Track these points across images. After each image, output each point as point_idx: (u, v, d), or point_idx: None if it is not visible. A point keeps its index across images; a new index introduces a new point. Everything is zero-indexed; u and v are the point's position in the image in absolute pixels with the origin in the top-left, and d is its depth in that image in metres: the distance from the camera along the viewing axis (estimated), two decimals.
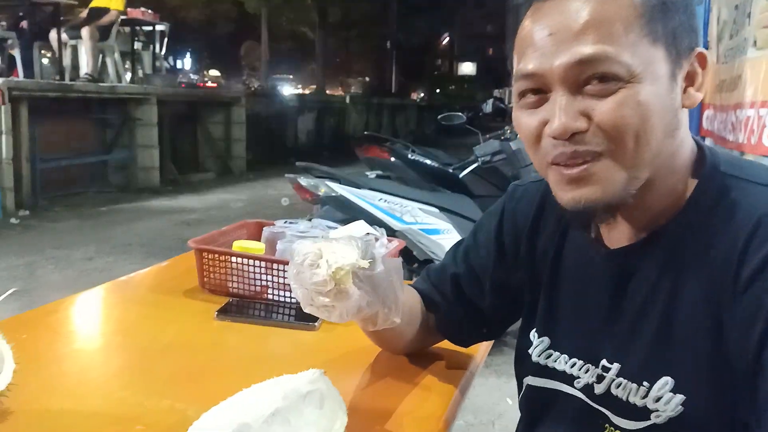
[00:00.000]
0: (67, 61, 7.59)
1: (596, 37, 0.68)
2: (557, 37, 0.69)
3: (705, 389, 0.70)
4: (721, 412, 0.70)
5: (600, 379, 0.80)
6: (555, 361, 0.86)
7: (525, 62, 0.72)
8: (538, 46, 0.71)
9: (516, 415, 0.96)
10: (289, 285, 1.24)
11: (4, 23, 7.28)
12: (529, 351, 0.89)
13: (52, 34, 7.33)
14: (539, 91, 0.72)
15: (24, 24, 7.25)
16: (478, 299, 0.99)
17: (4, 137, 6.19)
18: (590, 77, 0.69)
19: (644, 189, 0.73)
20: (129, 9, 8.19)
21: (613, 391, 0.78)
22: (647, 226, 0.77)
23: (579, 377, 0.82)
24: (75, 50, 7.76)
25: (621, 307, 0.79)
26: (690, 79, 0.73)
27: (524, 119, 0.75)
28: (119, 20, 7.90)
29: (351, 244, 0.80)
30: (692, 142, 0.77)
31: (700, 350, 0.71)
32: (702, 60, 0.74)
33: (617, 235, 0.80)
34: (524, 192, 0.96)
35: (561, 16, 0.70)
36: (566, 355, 0.84)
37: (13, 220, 6.00)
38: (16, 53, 7.00)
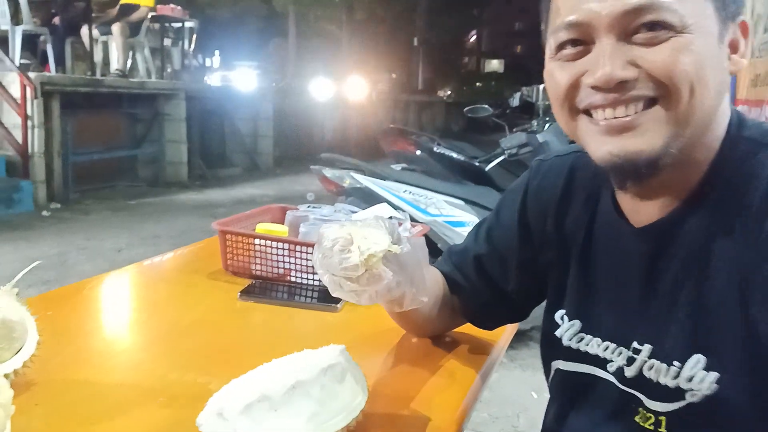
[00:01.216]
0: (98, 57, 7.71)
1: None
2: None
3: (739, 366, 0.68)
4: (758, 390, 0.67)
5: (630, 361, 0.77)
6: (587, 345, 0.83)
7: (570, 11, 0.69)
8: None
9: (541, 408, 0.94)
10: (311, 268, 1.25)
11: (36, 19, 7.41)
12: (557, 334, 0.86)
13: (84, 30, 7.45)
14: (580, 42, 0.70)
15: (56, 20, 7.37)
16: (502, 280, 0.96)
17: (36, 131, 6.31)
18: (640, 26, 0.66)
19: (679, 160, 0.69)
20: (159, 6, 8.28)
21: (645, 373, 0.75)
22: (673, 200, 0.74)
23: (612, 360, 0.79)
24: (106, 46, 7.88)
25: (654, 286, 0.76)
26: (733, 47, 0.71)
27: (559, 71, 0.72)
28: (149, 17, 8.00)
29: (380, 227, 0.76)
30: (729, 112, 0.74)
31: (733, 326, 0.68)
32: (744, 29, 0.71)
33: (643, 211, 0.77)
34: (549, 167, 0.92)
35: None
36: (599, 338, 0.81)
37: (44, 213, 6.12)
38: (49, 49, 7.12)
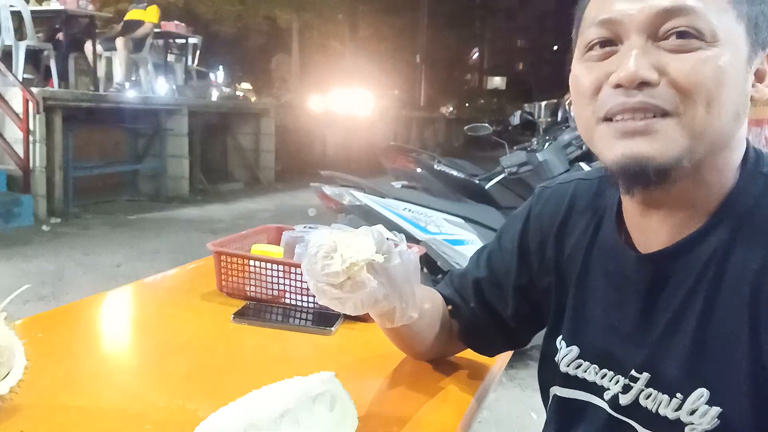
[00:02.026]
0: (101, 72, 7.75)
1: None
2: None
3: (743, 401, 0.66)
4: (760, 426, 0.66)
5: (627, 389, 0.76)
6: (585, 372, 0.81)
7: (601, 10, 0.68)
8: None
9: (540, 430, 0.93)
10: (306, 290, 1.24)
11: (40, 35, 7.46)
12: (556, 359, 0.85)
13: (88, 46, 7.50)
14: (609, 43, 0.69)
15: (60, 35, 7.43)
16: (501, 305, 0.95)
17: (38, 145, 6.33)
18: (671, 31, 0.65)
19: (692, 173, 0.68)
20: (163, 22, 8.35)
21: (642, 402, 0.74)
22: (683, 228, 0.73)
23: (609, 388, 0.78)
24: (110, 62, 7.93)
25: (654, 314, 0.74)
26: (759, 76, 0.70)
27: (584, 72, 0.71)
28: (153, 33, 8.05)
29: (368, 235, 0.78)
30: (744, 142, 0.73)
31: (738, 360, 0.67)
32: None
33: (650, 236, 0.76)
34: (552, 194, 0.92)
35: None
36: (596, 365, 0.80)
37: (44, 227, 6.11)
38: (52, 64, 7.16)
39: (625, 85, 0.66)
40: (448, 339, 1.00)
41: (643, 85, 0.65)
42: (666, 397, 0.72)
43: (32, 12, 6.96)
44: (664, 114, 0.66)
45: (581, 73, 0.71)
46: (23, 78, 6.71)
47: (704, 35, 0.64)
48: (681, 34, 0.65)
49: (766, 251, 0.67)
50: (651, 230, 0.75)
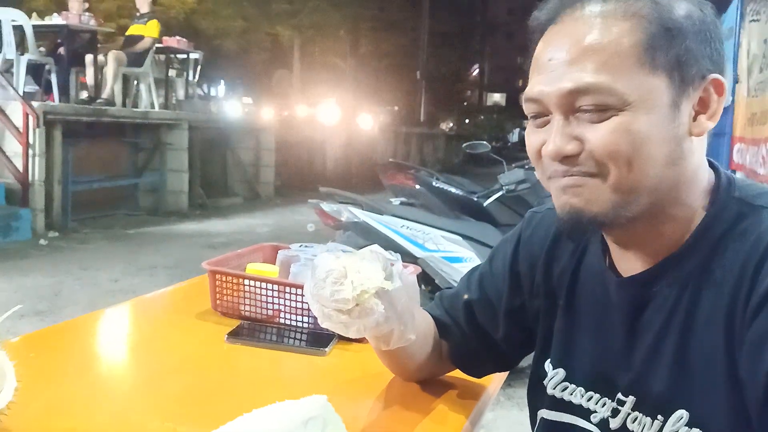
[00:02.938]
0: (90, 81, 7.69)
1: (590, 66, 0.69)
2: (554, 63, 0.71)
3: (722, 422, 0.68)
4: None
5: (615, 413, 0.77)
6: (571, 394, 0.83)
7: (530, 86, 0.74)
8: (541, 70, 0.73)
9: None
10: (301, 310, 1.23)
11: (42, 49, 7.50)
12: (544, 382, 0.86)
13: (88, 59, 7.52)
14: (542, 114, 0.74)
15: (61, 50, 7.46)
16: (491, 327, 0.96)
17: (37, 159, 6.34)
18: (582, 106, 0.70)
19: (650, 216, 0.73)
20: (165, 37, 8.39)
21: (629, 425, 0.75)
22: (659, 254, 0.75)
23: (596, 411, 0.79)
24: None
25: (636, 337, 0.76)
26: (703, 106, 0.72)
27: (530, 138, 0.77)
28: (154, 47, 8.09)
29: (375, 260, 0.79)
30: (709, 171, 0.76)
31: (717, 381, 0.68)
32: (718, 87, 0.71)
33: (630, 262, 0.78)
34: (542, 219, 0.94)
35: (561, 41, 0.71)
36: (582, 388, 0.82)
37: (42, 242, 6.11)
38: (53, 78, 7.19)
39: (551, 159, 0.73)
40: (438, 360, 1.00)
41: (567, 157, 0.71)
42: (649, 419, 0.73)
43: (34, 26, 7.00)
44: (588, 175, 0.71)
45: (530, 134, 0.77)
46: (24, 92, 6.73)
47: (613, 105, 0.68)
48: (590, 109, 0.69)
49: (740, 273, 0.68)
50: (630, 256, 0.78)
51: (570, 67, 0.69)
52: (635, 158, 0.68)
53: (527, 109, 0.75)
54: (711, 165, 0.77)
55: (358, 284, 0.75)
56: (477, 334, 0.97)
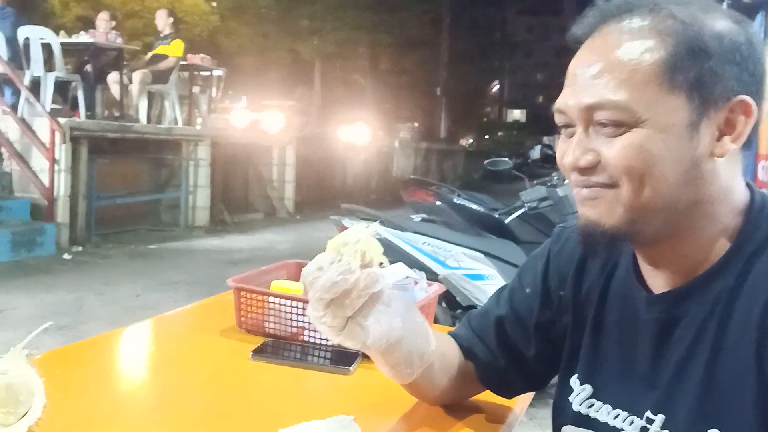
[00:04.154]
0: (116, 95, 7.83)
1: (609, 82, 0.70)
2: (580, 77, 0.73)
3: None
4: None
5: (644, 431, 0.76)
6: (597, 411, 0.82)
7: (559, 98, 0.76)
8: (569, 83, 0.75)
9: None
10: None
11: (69, 66, 7.64)
12: (570, 398, 0.85)
13: (111, 77, 7.65)
14: (570, 125, 0.76)
15: (88, 67, 7.60)
16: (522, 344, 0.95)
17: (63, 175, 6.44)
18: (600, 121, 0.71)
19: (671, 235, 0.73)
20: (189, 55, 8.51)
21: None
22: (689, 272, 0.75)
23: (623, 429, 0.78)
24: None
25: (665, 355, 0.76)
26: (730, 126, 0.71)
27: (559, 148, 0.78)
28: (179, 65, 8.21)
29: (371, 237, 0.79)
30: (745, 191, 0.75)
31: (747, 401, 0.68)
32: (746, 108, 0.71)
33: (659, 279, 0.78)
34: (570, 234, 0.93)
35: (589, 56, 0.73)
36: (609, 405, 0.81)
37: (65, 256, 6.18)
38: (80, 95, 7.32)
39: (569, 170, 0.76)
40: (463, 383, 0.99)
41: (584, 168, 0.73)
42: None
43: (62, 44, 7.14)
44: (607, 186, 0.73)
45: (560, 144, 0.79)
46: (51, 108, 6.85)
47: (626, 122, 0.70)
48: (607, 123, 0.71)
49: None
50: (660, 273, 0.78)
51: (592, 81, 0.71)
52: (647, 175, 0.70)
53: (556, 119, 0.77)
54: (747, 185, 0.76)
55: (360, 251, 0.74)
56: (507, 351, 0.96)
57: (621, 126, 0.70)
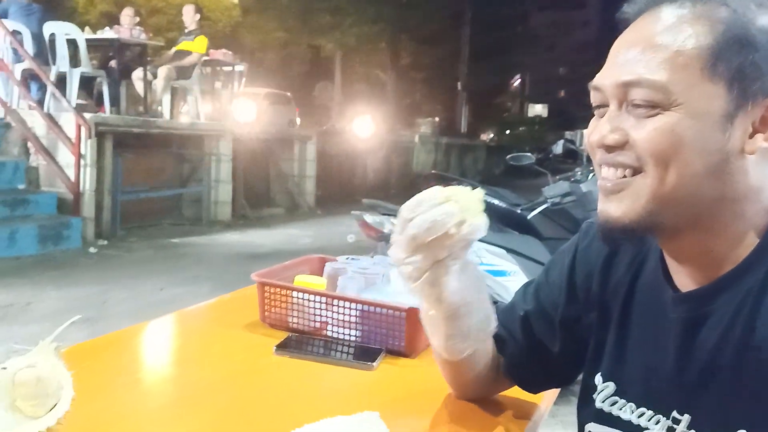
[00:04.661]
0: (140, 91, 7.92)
1: (650, 61, 0.69)
2: (621, 55, 0.73)
3: None
4: None
5: (670, 431, 0.75)
6: (620, 409, 0.81)
7: (596, 76, 0.75)
8: (609, 60, 0.74)
9: None
10: (348, 323, 1.23)
11: (94, 62, 7.73)
12: (594, 396, 0.85)
13: (135, 73, 7.74)
14: (604, 104, 0.75)
15: (113, 63, 7.68)
16: (548, 339, 0.94)
17: (88, 169, 6.52)
18: (634, 100, 0.71)
19: (696, 229, 0.72)
20: (211, 50, 8.57)
21: None
22: (716, 270, 0.73)
23: (648, 428, 0.77)
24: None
25: (692, 353, 0.74)
26: (765, 125, 0.70)
27: (590, 125, 0.78)
28: (201, 61, 8.27)
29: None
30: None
31: None
32: None
33: (687, 277, 0.77)
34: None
35: (634, 36, 0.73)
36: (633, 404, 0.80)
37: (91, 249, 6.27)
38: (104, 90, 7.40)
39: (595, 147, 0.75)
40: (495, 375, 0.99)
41: (613, 148, 0.72)
42: None
43: (87, 40, 7.22)
44: (634, 170, 0.71)
45: (591, 124, 0.78)
46: (77, 104, 6.94)
47: (660, 103, 0.69)
48: (640, 104, 0.70)
49: None
50: (687, 271, 0.77)
51: (633, 59, 0.70)
52: (674, 161, 0.69)
53: (592, 98, 0.76)
54: None
55: (463, 204, 0.74)
56: (533, 346, 0.95)
57: (655, 107, 0.69)
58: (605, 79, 0.73)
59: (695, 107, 0.68)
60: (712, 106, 0.68)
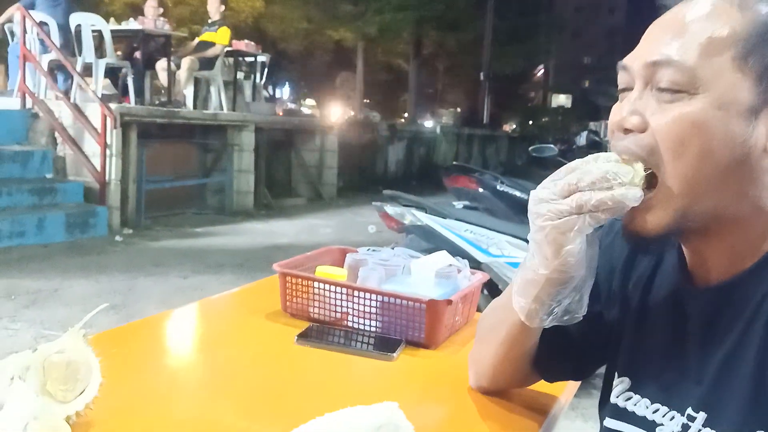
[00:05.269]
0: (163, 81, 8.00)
1: (682, 44, 0.69)
2: (653, 36, 0.73)
3: None
4: None
5: (685, 428, 0.74)
6: (635, 405, 0.80)
7: (626, 57, 0.75)
8: (641, 41, 0.74)
9: None
10: (369, 313, 1.25)
11: (119, 53, 7.82)
12: (611, 391, 0.85)
13: (159, 64, 7.81)
14: (630, 87, 0.74)
15: (137, 54, 7.76)
16: (569, 332, 0.92)
17: (114, 159, 6.61)
18: (659, 82, 0.70)
19: (721, 227, 0.72)
20: (234, 41, 8.61)
21: None
22: (736, 265, 0.73)
23: (662, 425, 0.76)
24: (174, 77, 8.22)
25: (710, 350, 0.73)
26: None
27: (614, 107, 0.76)
28: (224, 52, 8.32)
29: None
30: None
31: None
32: None
33: (706, 272, 0.76)
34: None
35: (670, 19, 0.73)
36: (647, 399, 0.79)
37: (117, 238, 6.36)
38: (129, 81, 7.49)
39: (614, 130, 0.74)
40: (526, 362, 0.96)
41: (629, 131, 0.71)
42: None
43: (112, 31, 7.30)
44: (647, 156, 0.70)
45: (614, 107, 0.76)
46: (102, 94, 7.03)
47: (686, 87, 0.68)
48: (665, 88, 0.69)
49: None
50: (706, 265, 0.75)
51: (665, 41, 0.70)
52: (694, 151, 0.68)
53: (619, 79, 0.75)
54: None
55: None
56: (554, 338, 0.93)
57: (679, 92, 0.68)
58: (634, 59, 0.73)
59: (721, 96, 0.67)
60: (738, 97, 0.67)
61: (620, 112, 0.72)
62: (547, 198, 0.73)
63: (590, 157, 0.75)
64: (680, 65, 0.68)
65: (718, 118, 0.67)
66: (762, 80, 0.67)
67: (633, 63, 0.73)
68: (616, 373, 0.84)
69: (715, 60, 0.67)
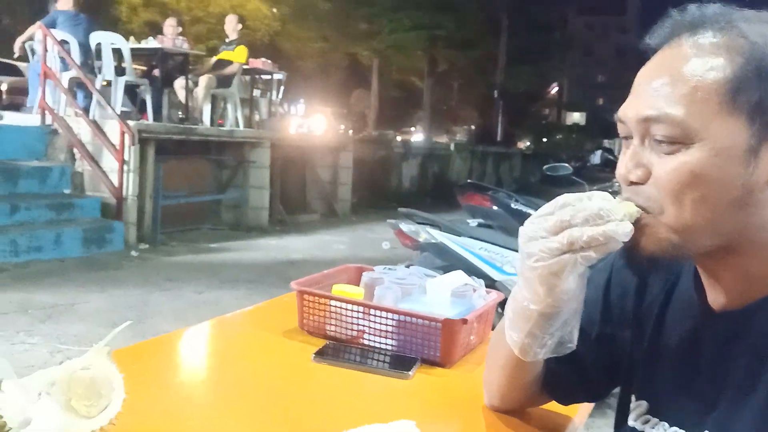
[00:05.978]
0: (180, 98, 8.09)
1: (669, 96, 0.69)
2: (642, 88, 0.73)
3: None
4: None
5: None
6: (653, 428, 0.80)
7: (621, 106, 0.75)
8: (632, 92, 0.74)
9: None
10: (385, 332, 1.26)
11: (138, 71, 7.94)
12: (628, 414, 0.84)
13: (177, 82, 7.91)
14: (630, 135, 0.75)
15: (156, 71, 7.88)
16: (583, 354, 0.92)
17: (131, 175, 6.69)
18: (655, 136, 0.71)
19: (726, 254, 0.72)
20: (251, 59, 8.72)
21: None
22: (753, 291, 0.73)
23: None
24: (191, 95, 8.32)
25: (726, 374, 0.73)
26: None
27: (620, 157, 0.77)
28: (241, 70, 8.42)
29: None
30: None
31: None
32: None
33: (722, 296, 0.76)
34: None
35: (655, 68, 0.73)
36: (666, 423, 0.79)
37: (133, 253, 6.42)
38: (147, 98, 7.59)
39: (621, 182, 0.75)
40: (536, 385, 0.98)
41: (634, 183, 0.73)
42: None
43: (131, 49, 7.42)
44: (653, 206, 0.71)
45: (621, 156, 0.77)
46: (121, 111, 7.13)
47: (681, 139, 0.68)
48: (662, 140, 0.70)
49: None
50: (722, 290, 0.76)
51: (654, 93, 0.70)
52: (693, 198, 0.68)
53: (618, 129, 0.76)
54: None
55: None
56: (568, 359, 0.93)
57: (675, 143, 0.69)
58: (628, 112, 0.73)
59: (716, 143, 0.67)
60: (734, 141, 0.67)
61: (625, 165, 0.73)
62: (536, 235, 0.73)
63: (584, 194, 0.75)
64: (671, 119, 0.68)
65: (718, 166, 0.67)
66: (754, 119, 0.67)
67: (628, 116, 0.73)
68: (633, 396, 0.84)
69: (703, 107, 0.68)
